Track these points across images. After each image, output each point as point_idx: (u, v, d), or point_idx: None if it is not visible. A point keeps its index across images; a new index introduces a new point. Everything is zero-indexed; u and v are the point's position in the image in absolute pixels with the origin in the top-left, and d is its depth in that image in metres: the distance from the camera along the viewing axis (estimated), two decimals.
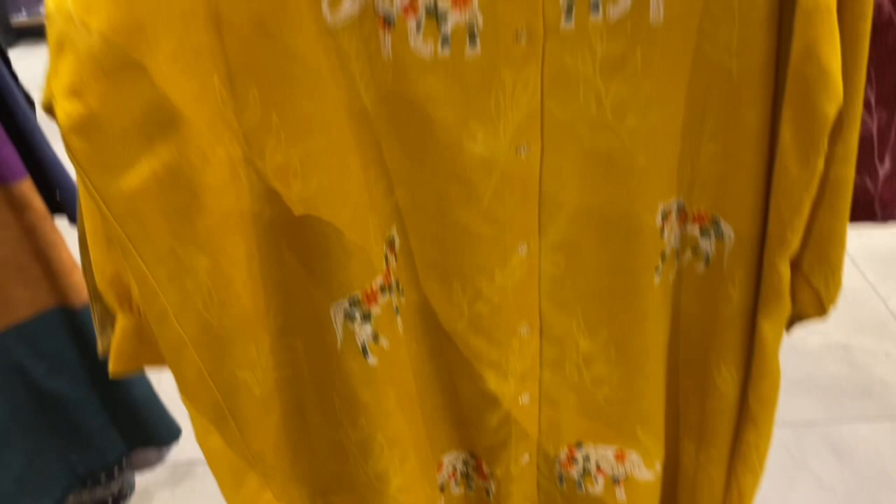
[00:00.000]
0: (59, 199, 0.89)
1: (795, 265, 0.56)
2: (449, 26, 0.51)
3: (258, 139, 0.51)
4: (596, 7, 0.50)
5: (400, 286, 0.60)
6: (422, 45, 0.51)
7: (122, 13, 0.42)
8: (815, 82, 0.46)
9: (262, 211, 0.53)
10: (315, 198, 0.53)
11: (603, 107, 0.54)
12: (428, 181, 0.55)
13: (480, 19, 0.50)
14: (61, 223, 0.91)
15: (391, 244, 0.59)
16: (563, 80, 0.53)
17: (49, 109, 0.43)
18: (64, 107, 0.42)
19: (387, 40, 0.51)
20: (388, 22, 0.51)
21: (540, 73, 0.52)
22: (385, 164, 0.55)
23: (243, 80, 0.49)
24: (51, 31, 0.42)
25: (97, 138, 0.43)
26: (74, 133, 0.42)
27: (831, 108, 0.47)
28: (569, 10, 0.50)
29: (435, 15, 0.50)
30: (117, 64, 0.42)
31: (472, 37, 0.51)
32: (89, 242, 0.53)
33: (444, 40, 0.51)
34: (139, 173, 0.45)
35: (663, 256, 0.59)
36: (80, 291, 0.91)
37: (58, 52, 0.41)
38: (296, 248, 0.55)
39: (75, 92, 0.41)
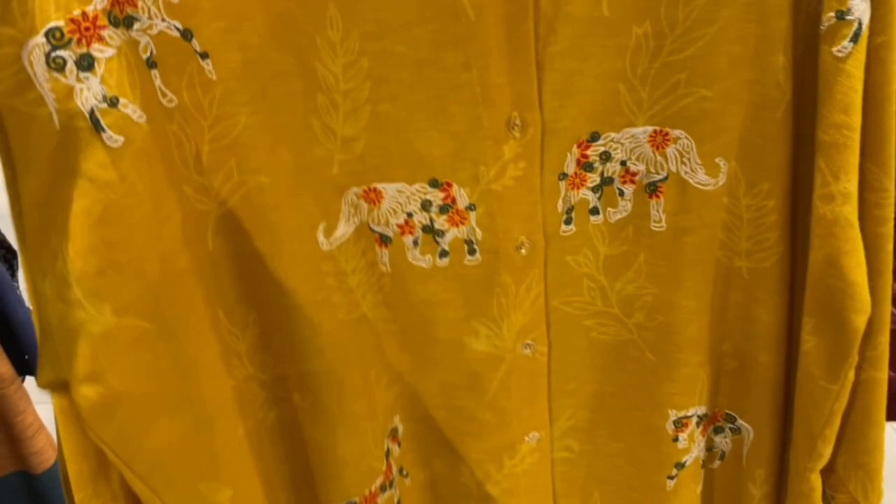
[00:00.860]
0: (28, 359, 0.85)
1: (829, 468, 0.53)
2: (446, 241, 0.49)
3: (258, 356, 0.50)
4: (595, 210, 0.49)
5: (404, 470, 0.58)
6: (419, 257, 0.49)
7: (134, 289, 0.40)
8: (840, 295, 0.45)
9: (266, 417, 0.52)
10: (311, 412, 0.52)
11: (609, 301, 0.52)
12: (431, 372, 0.54)
13: (479, 234, 0.49)
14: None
15: (393, 434, 0.56)
16: (566, 278, 0.51)
17: (49, 388, 0.42)
18: (84, 394, 0.40)
19: (383, 254, 0.49)
20: (384, 240, 0.49)
21: (543, 276, 0.51)
22: (386, 360, 0.53)
23: (243, 307, 0.48)
24: (55, 317, 0.39)
25: (119, 413, 0.41)
26: (97, 415, 0.41)
27: (860, 321, 0.45)
28: (568, 218, 0.49)
29: (432, 231, 0.49)
30: (134, 337, 0.41)
31: (472, 249, 0.49)
32: (73, 488, 0.50)
33: (443, 253, 0.49)
34: (160, 431, 0.43)
35: (680, 465, 0.57)
36: (42, 457, 0.86)
37: (70, 341, 0.39)
38: (297, 454, 0.54)
39: (94, 377, 0.40)
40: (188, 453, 0.45)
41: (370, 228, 0.49)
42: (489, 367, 0.53)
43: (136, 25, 0.40)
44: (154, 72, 0.41)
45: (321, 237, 0.48)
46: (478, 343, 0.52)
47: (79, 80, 0.38)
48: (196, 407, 0.45)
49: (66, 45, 0.37)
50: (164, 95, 0.42)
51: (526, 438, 0.56)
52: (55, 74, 0.37)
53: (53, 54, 0.37)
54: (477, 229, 0.49)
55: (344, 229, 0.48)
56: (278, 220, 0.46)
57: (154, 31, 0.41)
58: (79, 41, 0.38)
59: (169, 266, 0.42)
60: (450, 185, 0.47)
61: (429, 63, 0.44)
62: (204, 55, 0.42)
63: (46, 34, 0.37)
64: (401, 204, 0.48)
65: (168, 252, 0.42)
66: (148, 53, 0.41)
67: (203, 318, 0.46)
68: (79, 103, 0.38)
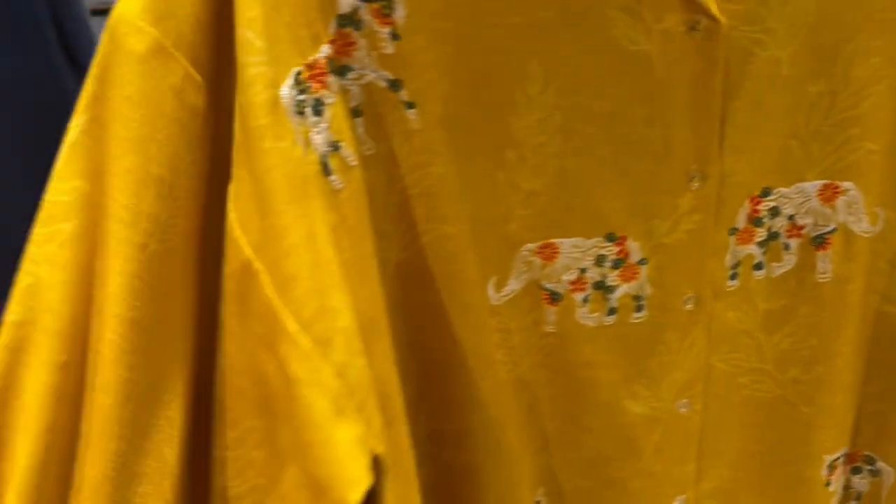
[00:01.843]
0: None
1: None
2: (616, 297, 0.49)
3: (412, 411, 0.47)
4: (759, 266, 0.50)
5: None
6: (587, 315, 0.49)
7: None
8: None
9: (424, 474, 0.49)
10: (464, 472, 0.50)
11: (764, 357, 0.52)
12: (583, 440, 0.52)
13: (648, 289, 0.49)
14: None
15: None
16: (726, 335, 0.51)
17: None
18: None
19: (550, 313, 0.49)
20: (554, 298, 0.48)
21: (705, 332, 0.50)
22: (538, 426, 0.52)
23: (405, 356, 0.46)
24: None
25: None
26: None
27: None
28: (734, 273, 0.50)
29: (603, 288, 0.48)
30: None
31: (639, 305, 0.49)
32: None
33: (611, 311, 0.49)
34: None
35: None
36: None
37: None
38: None
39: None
40: None
41: (540, 286, 0.48)
42: (646, 430, 0.52)
43: (349, 75, 0.40)
44: (358, 120, 0.41)
45: (491, 291, 0.47)
46: (636, 405, 0.51)
47: (313, 125, 0.38)
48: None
49: (305, 90, 0.38)
50: (364, 143, 0.42)
51: (673, 501, 0.54)
52: (298, 118, 0.37)
53: (298, 98, 0.37)
54: (647, 285, 0.48)
55: (513, 286, 0.48)
56: (457, 269, 0.45)
57: (363, 81, 0.41)
58: (312, 86, 0.38)
59: (372, 313, 0.42)
60: (625, 238, 0.47)
61: (616, 117, 0.45)
62: (410, 105, 0.42)
63: (295, 76, 0.37)
64: (575, 259, 0.48)
65: (369, 300, 0.42)
66: (355, 102, 0.41)
67: (382, 369, 0.44)
68: (314, 148, 0.38)
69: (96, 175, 0.40)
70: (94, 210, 0.40)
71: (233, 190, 0.38)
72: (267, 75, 0.36)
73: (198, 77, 0.39)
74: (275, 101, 0.37)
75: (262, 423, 0.38)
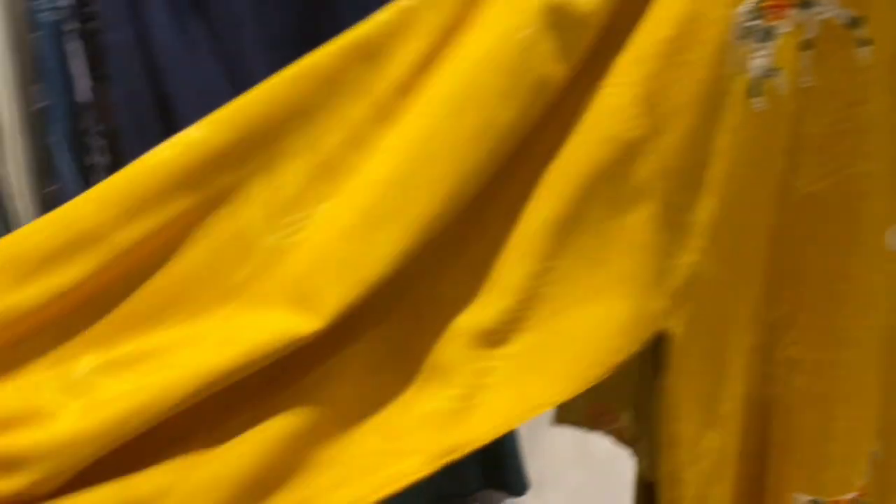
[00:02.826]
0: None
1: None
2: None
3: (777, 330, 0.52)
4: None
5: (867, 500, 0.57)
6: None
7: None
8: None
9: (752, 390, 0.54)
10: (814, 399, 0.52)
11: None
12: None
13: None
14: None
15: (873, 458, 0.56)
16: None
17: None
18: None
19: None
20: None
21: None
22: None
23: (779, 281, 0.51)
24: None
25: None
26: None
27: None
28: None
29: None
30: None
31: None
32: None
33: None
34: None
35: None
36: None
37: None
38: (768, 437, 0.55)
39: None
40: None
41: None
42: None
43: (812, 10, 0.44)
44: (807, 53, 0.45)
45: (891, 237, 0.49)
46: None
47: (755, 50, 0.43)
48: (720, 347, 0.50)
49: (759, 17, 0.43)
50: (805, 75, 0.45)
51: None
52: (740, 42, 0.43)
53: (748, 24, 0.42)
54: None
55: None
56: (865, 208, 0.48)
57: (822, 17, 0.44)
58: (768, 15, 0.43)
59: (742, 222, 0.47)
60: None
61: None
62: (866, 42, 0.44)
63: (754, 3, 0.42)
64: None
65: (747, 211, 0.47)
66: (809, 36, 0.44)
67: (752, 275, 0.50)
68: (748, 70, 0.43)
69: None
70: None
71: (651, 83, 0.44)
72: None
73: None
74: (730, 21, 0.42)
75: None
